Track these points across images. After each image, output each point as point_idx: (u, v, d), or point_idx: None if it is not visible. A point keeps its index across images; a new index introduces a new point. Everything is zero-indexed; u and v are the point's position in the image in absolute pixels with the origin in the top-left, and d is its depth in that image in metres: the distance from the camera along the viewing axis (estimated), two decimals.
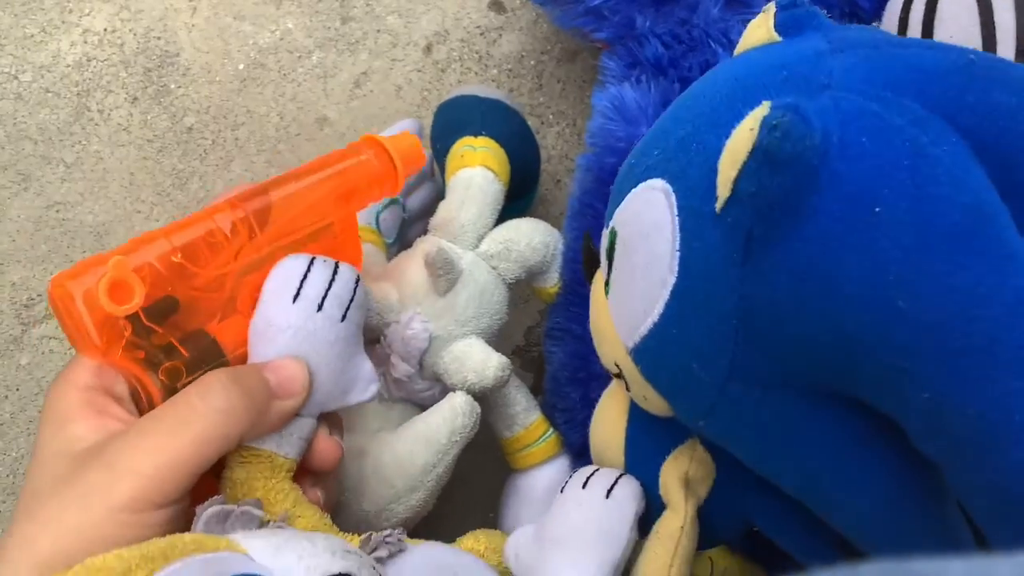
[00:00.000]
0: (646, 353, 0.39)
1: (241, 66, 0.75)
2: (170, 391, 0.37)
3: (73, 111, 0.74)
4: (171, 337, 0.37)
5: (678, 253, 0.35)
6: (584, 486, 0.45)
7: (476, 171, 0.59)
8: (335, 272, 0.39)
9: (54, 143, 0.73)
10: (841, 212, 0.30)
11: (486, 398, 0.57)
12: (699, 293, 0.34)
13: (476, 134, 0.62)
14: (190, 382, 0.36)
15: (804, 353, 0.33)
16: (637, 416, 0.49)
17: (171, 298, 0.37)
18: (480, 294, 0.56)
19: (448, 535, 0.53)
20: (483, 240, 0.59)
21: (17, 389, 0.70)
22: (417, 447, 0.51)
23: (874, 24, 0.57)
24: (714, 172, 0.33)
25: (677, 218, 0.35)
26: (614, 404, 0.51)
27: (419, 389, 0.57)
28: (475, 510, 0.65)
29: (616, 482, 0.45)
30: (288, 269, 0.39)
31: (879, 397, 0.32)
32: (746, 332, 0.34)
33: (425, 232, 0.60)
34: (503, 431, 0.60)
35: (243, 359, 0.39)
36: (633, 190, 0.39)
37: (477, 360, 0.55)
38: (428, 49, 0.75)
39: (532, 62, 0.76)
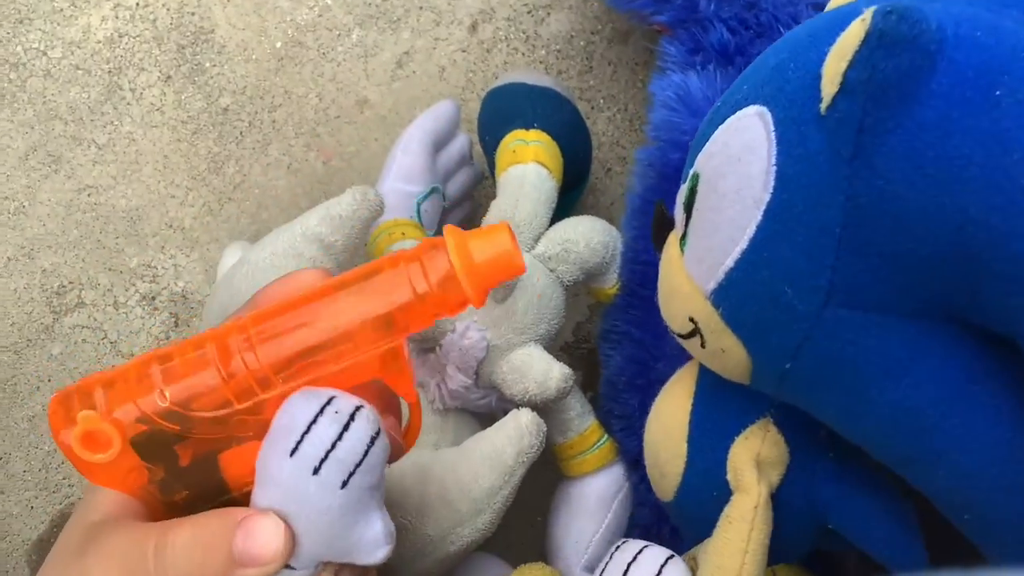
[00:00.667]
0: (730, 290, 0.36)
1: (278, 44, 0.71)
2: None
3: (104, 90, 0.71)
4: (166, 470, 0.33)
5: (775, 168, 0.33)
6: (626, 573, 0.41)
7: (529, 168, 0.56)
8: (346, 427, 0.31)
9: (85, 123, 0.70)
10: (960, 96, 0.29)
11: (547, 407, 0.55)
12: (798, 204, 0.33)
13: (528, 127, 0.59)
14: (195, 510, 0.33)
15: (918, 260, 0.31)
16: (704, 397, 0.46)
17: (168, 433, 0.32)
18: (539, 299, 0.54)
19: (492, 541, 0.51)
20: (539, 241, 0.56)
21: (49, 380, 0.68)
22: (483, 469, 0.48)
23: None
24: (816, 80, 0.32)
25: (774, 134, 0.34)
26: (677, 390, 0.48)
27: (475, 398, 0.55)
28: (521, 513, 0.63)
29: (664, 566, 0.41)
30: (293, 414, 0.31)
31: (1003, 311, 0.30)
32: (852, 242, 0.32)
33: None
34: (556, 436, 0.57)
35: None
36: (719, 127, 0.38)
37: (539, 370, 0.52)
38: (473, 28, 0.72)
39: (582, 43, 0.72)
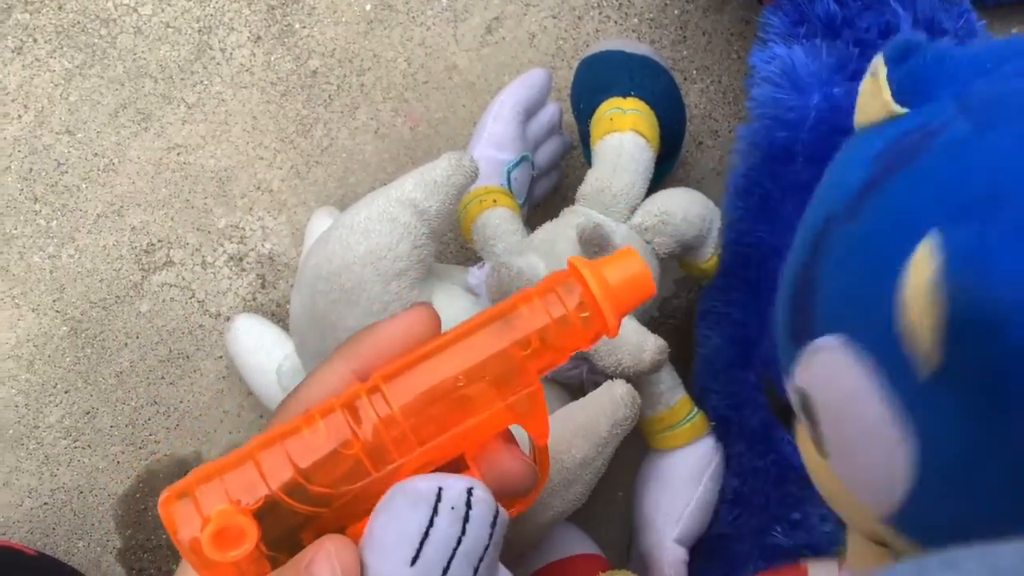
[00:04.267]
0: (911, 520, 0.31)
1: (368, 7, 0.71)
2: None
3: (194, 48, 0.71)
4: (294, 552, 0.29)
5: (900, 418, 0.28)
6: None
7: (626, 136, 0.56)
8: (466, 519, 0.28)
9: (175, 82, 0.70)
10: None
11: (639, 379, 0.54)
12: (946, 456, 0.28)
13: (625, 95, 0.58)
14: None
15: None
16: None
17: (297, 515, 0.29)
18: None
19: (572, 516, 0.51)
20: (636, 212, 0.55)
21: (137, 337, 0.69)
22: (576, 440, 0.48)
23: None
24: (894, 324, 0.27)
25: (877, 379, 0.28)
26: None
27: (565, 369, 0.55)
28: (602, 487, 0.63)
29: None
30: (401, 518, 0.28)
31: None
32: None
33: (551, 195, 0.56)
34: (645, 410, 0.57)
35: None
36: (805, 352, 0.32)
37: (632, 342, 0.52)
38: None
39: (676, 11, 0.71)
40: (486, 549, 0.29)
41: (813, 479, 0.37)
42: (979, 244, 0.23)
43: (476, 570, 0.28)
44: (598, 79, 0.60)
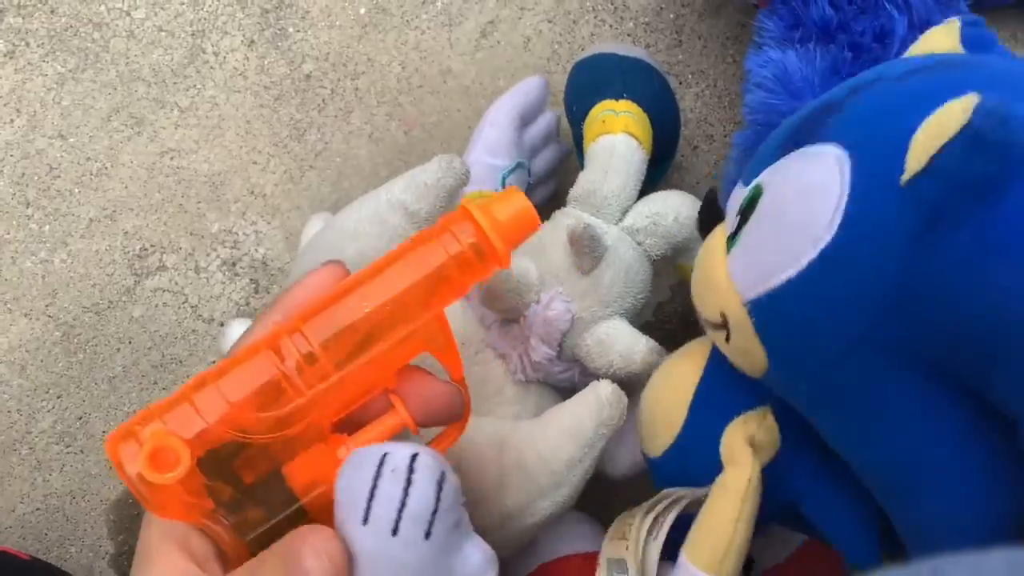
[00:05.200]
0: (769, 307, 0.38)
1: (362, 10, 0.70)
2: (253, 543, 0.32)
3: (187, 52, 0.70)
4: (232, 489, 0.32)
5: (842, 215, 0.35)
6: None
7: (619, 138, 0.55)
8: (408, 481, 0.31)
9: (168, 86, 0.70)
10: None
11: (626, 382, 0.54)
12: (857, 257, 0.35)
13: (617, 97, 0.57)
14: (265, 532, 0.32)
15: (953, 335, 0.33)
16: (714, 373, 0.48)
17: (231, 444, 0.32)
18: (625, 272, 0.53)
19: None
20: (627, 213, 0.55)
21: (130, 342, 0.69)
22: (562, 441, 0.48)
23: None
24: (903, 146, 0.33)
25: (848, 182, 0.35)
26: (687, 362, 0.49)
27: (557, 371, 0.54)
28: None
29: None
30: (351, 482, 0.31)
31: (1010, 396, 0.32)
32: (898, 304, 0.34)
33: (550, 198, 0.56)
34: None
35: (323, 500, 0.33)
36: (796, 151, 0.39)
37: (624, 344, 0.52)
38: None
39: (671, 15, 0.70)
40: (434, 513, 0.31)
41: (701, 271, 0.45)
42: (1007, 105, 0.30)
43: (428, 533, 0.31)
44: (591, 82, 0.60)
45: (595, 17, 0.70)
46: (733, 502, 0.43)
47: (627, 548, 0.48)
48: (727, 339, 0.42)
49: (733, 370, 0.45)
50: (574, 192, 0.56)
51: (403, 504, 0.30)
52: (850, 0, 0.56)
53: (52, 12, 0.70)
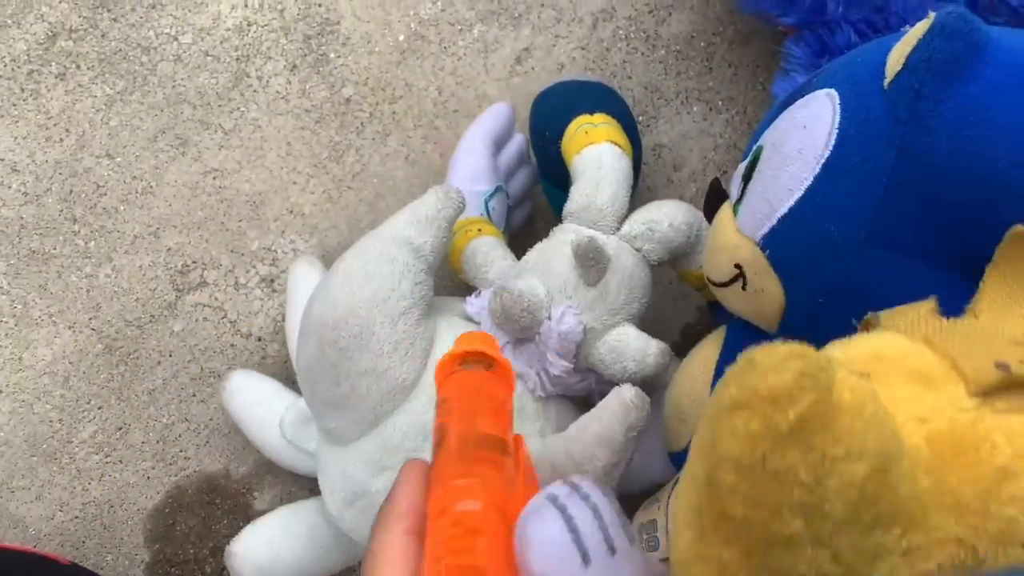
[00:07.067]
0: (781, 233, 0.42)
1: (401, 37, 0.73)
2: None
3: (232, 76, 0.73)
4: None
5: (837, 131, 0.40)
6: None
7: (604, 147, 0.57)
8: (589, 498, 0.30)
9: (212, 108, 0.72)
10: (1000, 82, 0.37)
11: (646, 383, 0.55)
12: (854, 157, 0.39)
13: (592, 112, 0.59)
14: None
15: (949, 207, 0.37)
16: (731, 349, 0.51)
17: None
18: (629, 279, 0.55)
19: None
20: (624, 222, 0.56)
21: (170, 355, 0.70)
22: (595, 450, 0.49)
23: None
24: (881, 67, 0.39)
25: (839, 106, 0.41)
26: (704, 351, 0.53)
27: (574, 382, 0.56)
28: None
29: None
30: (546, 536, 0.29)
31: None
32: (896, 188, 0.38)
33: (526, 216, 0.57)
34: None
35: None
36: (794, 104, 0.44)
37: (636, 348, 0.54)
38: (594, 26, 0.72)
39: (703, 43, 0.72)
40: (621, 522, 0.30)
41: (708, 245, 0.49)
42: (961, 10, 0.37)
43: (632, 538, 0.30)
44: (561, 103, 0.61)
45: (627, 45, 0.72)
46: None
47: (658, 508, 0.51)
48: (744, 287, 0.46)
49: (749, 340, 0.46)
50: (569, 207, 0.57)
51: (604, 531, 0.29)
52: (875, 28, 0.57)
53: (103, 36, 0.73)
